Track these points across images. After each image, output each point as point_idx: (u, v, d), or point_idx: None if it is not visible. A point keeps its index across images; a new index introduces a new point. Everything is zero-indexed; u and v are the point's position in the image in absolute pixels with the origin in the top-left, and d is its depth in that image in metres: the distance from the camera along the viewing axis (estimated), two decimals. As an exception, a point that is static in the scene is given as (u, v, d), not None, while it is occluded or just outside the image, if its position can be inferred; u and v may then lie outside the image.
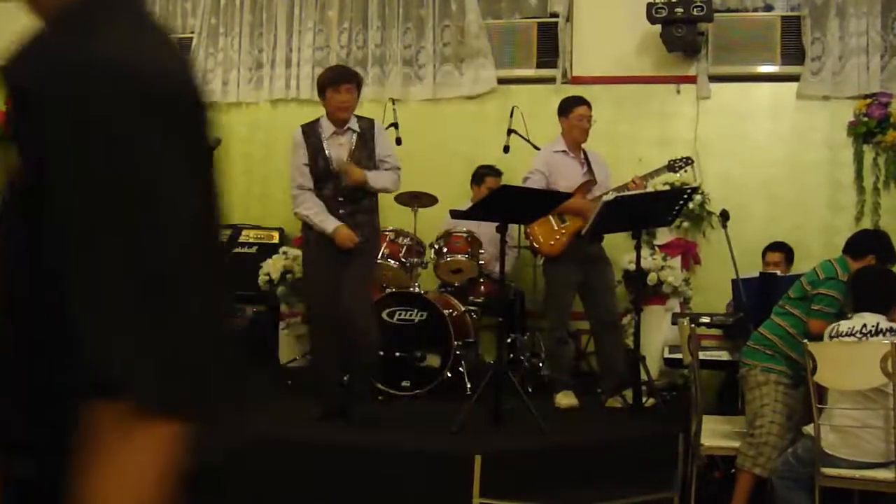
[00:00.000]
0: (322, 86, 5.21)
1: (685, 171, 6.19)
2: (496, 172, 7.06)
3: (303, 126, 5.31)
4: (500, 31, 7.62)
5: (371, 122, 5.34)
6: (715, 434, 4.71)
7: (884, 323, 4.20)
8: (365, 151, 5.21)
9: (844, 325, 4.25)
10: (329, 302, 5.11)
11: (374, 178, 5.17)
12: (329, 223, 5.11)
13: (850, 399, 4.15)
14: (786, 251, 6.27)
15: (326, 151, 5.18)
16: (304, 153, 5.22)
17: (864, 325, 4.19)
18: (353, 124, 5.24)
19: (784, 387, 4.47)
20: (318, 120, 5.29)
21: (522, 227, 6.24)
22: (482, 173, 7.07)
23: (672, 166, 5.98)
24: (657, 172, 6.00)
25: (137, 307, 1.10)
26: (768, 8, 7.16)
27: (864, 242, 4.73)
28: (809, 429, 4.21)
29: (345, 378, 5.42)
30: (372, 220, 5.25)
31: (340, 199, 5.16)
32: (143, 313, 1.10)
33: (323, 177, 5.19)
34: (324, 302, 5.16)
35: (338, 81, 5.16)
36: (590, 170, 5.96)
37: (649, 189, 6.12)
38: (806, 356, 4.14)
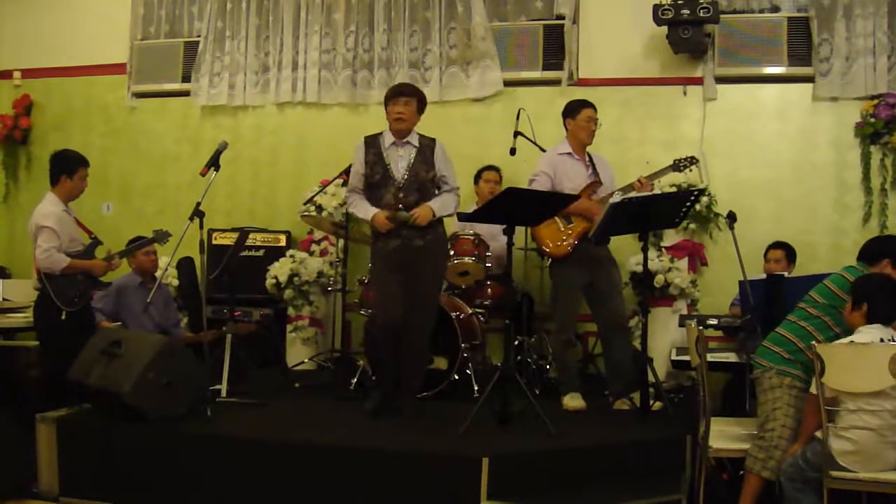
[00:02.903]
0: (385, 100, 5.55)
1: (690, 171, 6.18)
2: (494, 168, 7.09)
3: (366, 137, 5.56)
4: (506, 33, 7.63)
5: (433, 141, 5.57)
6: (723, 436, 4.69)
7: None
8: (424, 165, 5.45)
9: (860, 341, 4.22)
10: (395, 308, 5.35)
11: (440, 208, 5.44)
12: (368, 212, 5.42)
13: (863, 403, 4.12)
14: (787, 249, 6.27)
15: (386, 160, 5.43)
16: (361, 162, 5.49)
17: (882, 341, 4.17)
18: (414, 140, 5.49)
19: (798, 391, 4.44)
20: (381, 132, 5.55)
21: (529, 229, 6.24)
22: (479, 171, 7.12)
23: (677, 166, 5.98)
24: (662, 172, 5.99)
25: None
26: (775, 9, 7.16)
27: (877, 248, 4.70)
28: (819, 433, 4.20)
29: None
30: (434, 227, 5.45)
31: (400, 206, 5.37)
32: None
33: (381, 184, 5.43)
34: (391, 309, 5.36)
35: (394, 95, 5.49)
36: (595, 171, 5.95)
37: (655, 190, 6.12)
38: (815, 358, 4.12)
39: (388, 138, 5.49)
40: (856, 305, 4.30)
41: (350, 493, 4.64)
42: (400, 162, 5.43)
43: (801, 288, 4.74)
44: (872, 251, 4.67)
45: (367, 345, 6.13)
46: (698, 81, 7.25)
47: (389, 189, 5.39)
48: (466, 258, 6.39)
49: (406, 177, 5.40)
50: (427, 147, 5.49)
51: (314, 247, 7.60)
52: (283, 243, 7.72)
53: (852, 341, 4.22)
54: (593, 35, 7.48)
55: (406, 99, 5.46)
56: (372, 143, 5.51)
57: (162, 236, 6.24)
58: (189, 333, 6.70)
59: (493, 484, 4.45)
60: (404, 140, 5.47)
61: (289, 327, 7.44)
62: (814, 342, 4.21)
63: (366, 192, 5.48)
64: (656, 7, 6.82)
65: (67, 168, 5.78)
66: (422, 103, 5.56)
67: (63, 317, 5.57)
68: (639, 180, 5.80)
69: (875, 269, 4.55)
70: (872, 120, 6.83)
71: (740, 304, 6.11)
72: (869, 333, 4.21)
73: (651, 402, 5.47)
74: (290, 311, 7.43)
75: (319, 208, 7.40)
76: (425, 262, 5.39)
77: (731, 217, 5.66)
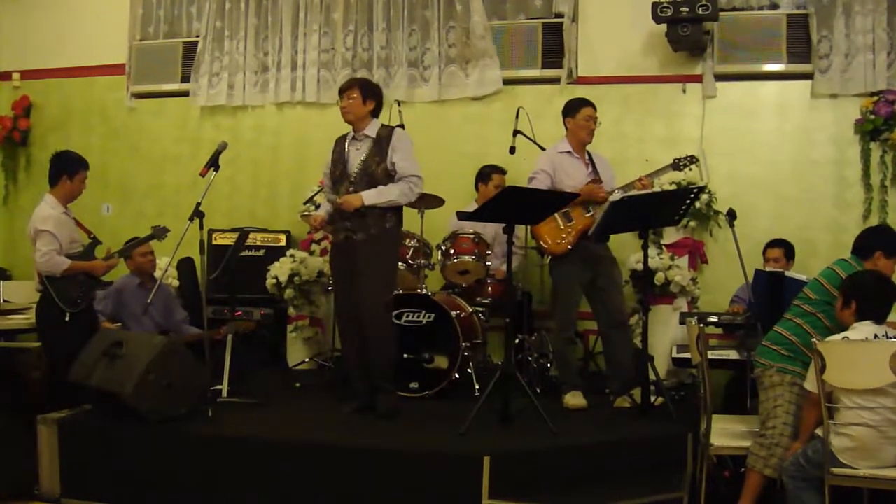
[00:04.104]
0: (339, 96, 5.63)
1: (690, 170, 6.18)
2: (502, 170, 7.08)
3: (338, 137, 5.66)
4: (505, 31, 7.62)
5: (391, 130, 5.55)
6: (724, 434, 4.69)
7: (891, 332, 4.19)
8: (376, 157, 5.42)
9: (854, 338, 4.22)
10: (346, 298, 5.47)
11: (378, 195, 5.36)
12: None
13: (862, 400, 4.11)
14: (785, 247, 6.26)
15: (346, 156, 5.50)
16: (328, 160, 5.61)
17: (876, 336, 4.17)
18: (371, 131, 5.49)
19: (798, 388, 4.43)
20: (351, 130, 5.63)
21: (529, 227, 6.24)
22: (488, 172, 7.09)
23: (677, 165, 5.97)
24: (662, 171, 5.99)
25: None
26: (774, 6, 7.14)
27: (869, 241, 4.69)
28: (820, 430, 4.19)
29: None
30: (382, 222, 5.41)
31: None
32: None
33: (339, 179, 5.50)
34: (342, 298, 5.53)
35: (340, 91, 5.59)
36: (594, 170, 5.95)
37: (655, 188, 6.11)
38: (815, 355, 4.12)
39: (350, 134, 5.57)
40: (846, 303, 4.30)
41: (351, 493, 4.64)
42: (356, 156, 5.47)
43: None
44: (865, 244, 4.66)
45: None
46: (698, 79, 7.25)
47: (344, 184, 5.45)
48: (466, 257, 6.39)
49: (357, 171, 5.42)
50: (384, 138, 5.47)
51: (314, 246, 7.60)
52: (283, 243, 7.72)
53: (846, 338, 4.22)
54: (592, 33, 7.47)
55: (347, 93, 5.51)
56: (339, 140, 5.62)
57: (160, 232, 6.22)
58: (196, 330, 6.65)
59: (494, 483, 4.45)
60: (362, 133, 5.50)
61: (289, 327, 7.44)
62: (814, 340, 4.20)
63: (331, 189, 5.60)
64: (655, 5, 6.81)
65: (68, 169, 5.78)
66: (366, 90, 5.53)
67: (66, 318, 5.57)
68: (640, 180, 5.80)
69: (868, 262, 4.54)
70: (872, 116, 6.82)
71: (740, 300, 6.12)
72: (862, 330, 4.21)
73: (652, 399, 5.48)
74: (291, 311, 7.43)
75: (319, 207, 7.39)
76: (367, 256, 5.36)
77: (731, 214, 5.65)
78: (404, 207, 5.59)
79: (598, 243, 5.78)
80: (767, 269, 6.09)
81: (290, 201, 7.98)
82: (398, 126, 6.50)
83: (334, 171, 5.53)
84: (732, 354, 5.82)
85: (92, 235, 5.94)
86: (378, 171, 5.39)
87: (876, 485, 4.13)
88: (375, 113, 5.58)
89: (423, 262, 6.35)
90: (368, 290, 5.36)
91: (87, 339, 5.40)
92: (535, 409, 4.98)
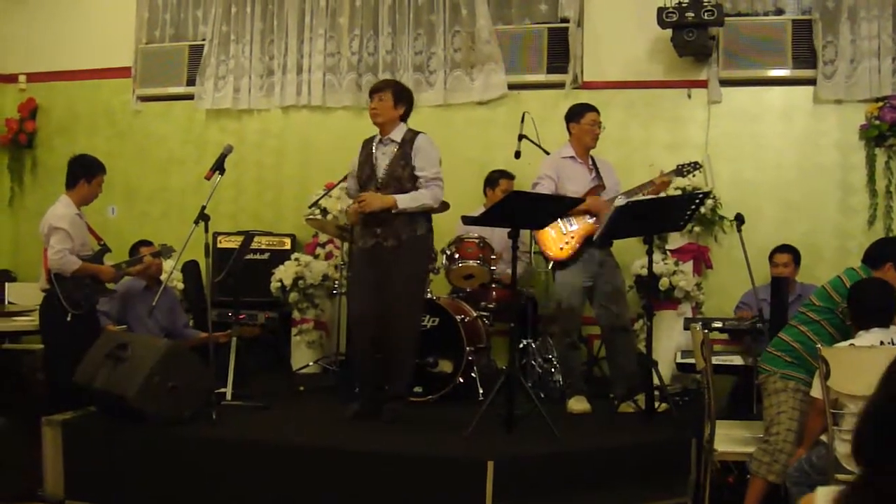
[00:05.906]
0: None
1: (694, 176, 6.18)
2: (509, 175, 7.07)
3: (365, 139, 5.61)
4: (510, 36, 7.63)
5: (416, 135, 5.48)
6: (728, 439, 4.68)
7: None
8: (402, 161, 5.39)
9: (860, 345, 4.21)
10: (367, 305, 5.37)
11: (409, 200, 5.31)
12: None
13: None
14: (793, 253, 6.27)
15: (373, 160, 5.45)
16: (355, 161, 5.55)
17: (882, 343, 4.16)
18: (398, 136, 5.44)
19: (802, 394, 4.43)
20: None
21: (531, 232, 6.24)
22: (496, 177, 7.09)
23: (680, 170, 5.97)
24: (667, 175, 5.99)
25: None
26: (779, 12, 7.15)
27: (880, 251, 4.67)
28: (824, 436, 4.19)
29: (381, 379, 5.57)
30: (411, 227, 5.37)
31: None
32: None
33: (366, 183, 5.45)
34: (362, 305, 5.42)
35: (372, 91, 5.53)
36: (598, 175, 5.95)
37: (660, 193, 6.12)
38: (819, 361, 4.11)
39: (377, 138, 5.52)
40: (849, 309, 4.31)
41: (354, 496, 4.64)
42: (383, 160, 5.43)
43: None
44: (876, 254, 4.65)
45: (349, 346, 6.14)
46: (703, 84, 7.25)
47: (371, 187, 5.40)
48: (471, 261, 6.39)
49: (384, 175, 5.38)
50: (408, 142, 5.43)
51: (319, 250, 7.61)
52: (287, 246, 7.73)
53: (852, 344, 4.21)
54: (598, 38, 7.48)
55: (379, 94, 5.44)
56: (366, 144, 5.57)
57: (167, 252, 6.26)
58: (203, 333, 6.67)
59: (497, 487, 4.44)
60: (388, 137, 5.46)
61: (293, 331, 7.45)
62: (818, 346, 4.20)
63: (357, 192, 5.53)
64: (661, 10, 6.82)
65: (87, 173, 5.80)
66: (398, 94, 5.48)
67: (68, 318, 5.57)
68: (661, 177, 5.83)
69: (878, 272, 4.53)
70: (877, 122, 6.82)
71: (746, 306, 6.10)
72: (868, 338, 4.20)
73: (656, 404, 5.47)
74: (295, 315, 7.44)
75: (324, 211, 7.41)
76: (397, 262, 5.31)
77: (740, 219, 5.65)
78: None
79: (601, 248, 5.78)
80: (774, 274, 6.10)
81: (295, 205, 8.00)
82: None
83: (361, 174, 5.48)
84: (737, 360, 5.82)
85: (102, 242, 5.96)
86: (405, 176, 5.35)
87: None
88: (404, 117, 5.52)
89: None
90: (398, 298, 5.32)
91: (87, 342, 5.40)
92: (539, 414, 4.97)
